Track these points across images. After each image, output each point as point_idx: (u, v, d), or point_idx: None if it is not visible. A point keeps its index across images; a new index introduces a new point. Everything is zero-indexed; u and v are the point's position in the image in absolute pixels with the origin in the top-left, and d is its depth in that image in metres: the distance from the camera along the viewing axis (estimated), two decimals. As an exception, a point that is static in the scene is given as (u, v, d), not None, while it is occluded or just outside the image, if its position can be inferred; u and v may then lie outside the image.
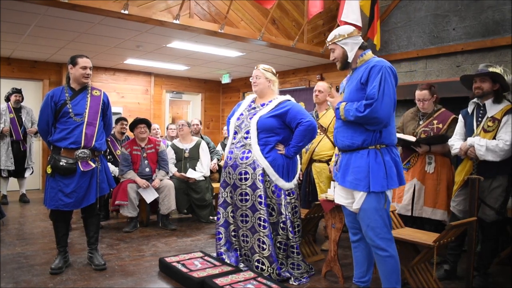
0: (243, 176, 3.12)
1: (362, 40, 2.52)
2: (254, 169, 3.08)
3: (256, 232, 3.09)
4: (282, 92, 3.44)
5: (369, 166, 2.36)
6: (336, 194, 2.67)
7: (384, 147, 2.41)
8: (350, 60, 2.50)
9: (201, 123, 6.30)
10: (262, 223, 3.05)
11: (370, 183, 2.34)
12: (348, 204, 2.58)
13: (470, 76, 3.07)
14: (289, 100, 3.22)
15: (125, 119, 5.34)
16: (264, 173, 3.08)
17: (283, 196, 3.10)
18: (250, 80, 3.31)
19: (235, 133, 3.27)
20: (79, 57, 3.15)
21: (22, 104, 6.00)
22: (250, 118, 3.18)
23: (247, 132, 3.15)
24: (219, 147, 6.06)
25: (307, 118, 3.09)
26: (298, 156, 3.33)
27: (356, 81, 2.45)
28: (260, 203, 3.05)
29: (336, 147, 2.65)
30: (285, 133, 3.17)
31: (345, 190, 2.56)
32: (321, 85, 3.92)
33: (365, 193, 2.38)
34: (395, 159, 2.43)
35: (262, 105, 3.23)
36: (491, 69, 2.93)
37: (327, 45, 2.59)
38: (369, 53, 2.52)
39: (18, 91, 5.94)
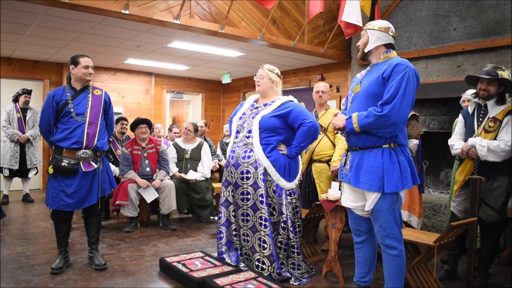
0: (244, 175, 3.12)
1: (392, 41, 2.49)
2: (256, 168, 3.08)
3: (257, 231, 3.09)
4: (283, 92, 3.44)
5: (383, 167, 2.32)
6: (344, 197, 2.61)
7: (398, 146, 2.38)
8: (366, 50, 2.49)
9: (205, 125, 6.28)
10: (263, 222, 3.05)
11: (385, 184, 2.30)
12: (356, 208, 2.54)
13: (477, 78, 3.04)
14: (292, 101, 3.23)
15: (125, 119, 5.35)
16: (265, 173, 3.08)
17: (284, 196, 3.10)
18: (254, 79, 3.32)
19: (237, 132, 3.27)
20: (80, 57, 3.15)
21: (29, 105, 6.02)
22: (253, 118, 3.18)
23: (249, 132, 3.16)
24: (218, 148, 6.07)
25: (309, 119, 3.10)
26: (299, 156, 3.33)
27: (378, 75, 2.39)
28: (262, 202, 3.05)
29: (346, 146, 2.60)
30: (287, 133, 3.17)
31: (355, 193, 2.51)
32: (322, 85, 3.95)
33: (378, 194, 2.34)
34: (409, 158, 2.40)
35: (265, 105, 3.24)
36: (499, 72, 2.93)
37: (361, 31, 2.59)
38: (394, 52, 2.49)
39: (28, 92, 5.97)
